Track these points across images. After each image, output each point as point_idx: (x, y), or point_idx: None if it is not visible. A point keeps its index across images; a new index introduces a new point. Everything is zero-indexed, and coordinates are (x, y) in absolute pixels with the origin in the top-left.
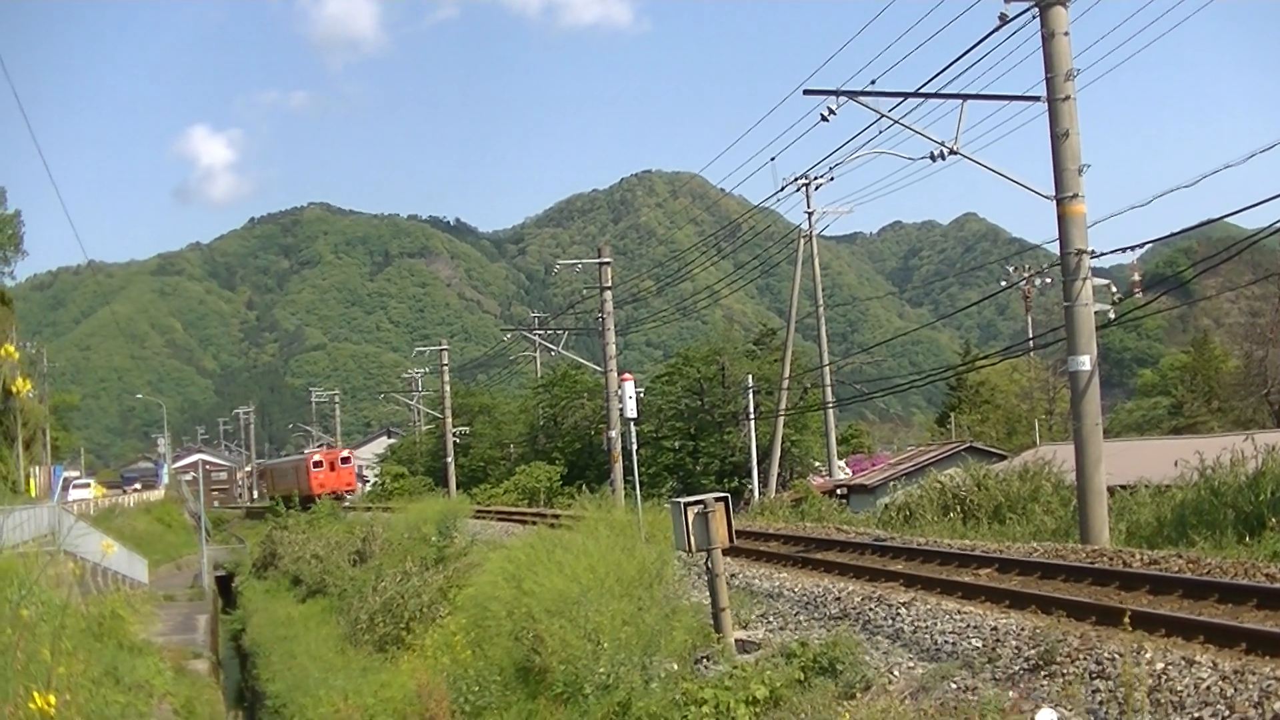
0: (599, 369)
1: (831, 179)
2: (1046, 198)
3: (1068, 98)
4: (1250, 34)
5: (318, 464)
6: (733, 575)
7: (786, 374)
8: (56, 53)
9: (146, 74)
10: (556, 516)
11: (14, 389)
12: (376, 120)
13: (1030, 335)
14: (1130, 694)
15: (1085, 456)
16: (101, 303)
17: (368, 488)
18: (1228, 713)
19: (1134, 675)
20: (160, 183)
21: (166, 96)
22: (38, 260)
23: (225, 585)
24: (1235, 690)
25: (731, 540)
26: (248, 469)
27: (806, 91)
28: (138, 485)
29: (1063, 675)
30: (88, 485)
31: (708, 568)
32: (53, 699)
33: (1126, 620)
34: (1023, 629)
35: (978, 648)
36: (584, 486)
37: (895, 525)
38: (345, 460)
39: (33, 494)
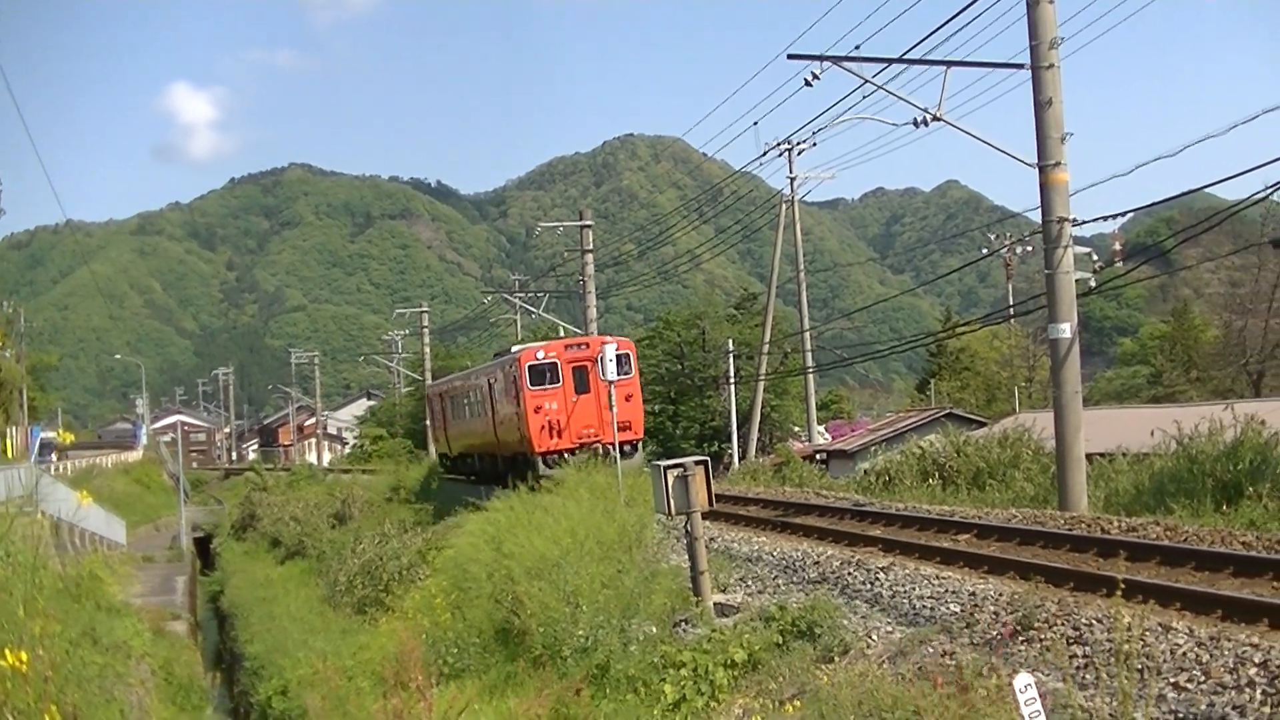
0: (580, 332)
1: (814, 144)
2: (1029, 165)
3: (1051, 65)
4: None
5: (542, 375)
6: (712, 539)
7: (767, 339)
8: (34, 6)
9: (129, 29)
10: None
11: None
12: (360, 80)
13: (1011, 303)
14: (1121, 660)
15: (1064, 424)
16: (80, 262)
17: (347, 450)
18: (1203, 678)
19: (1117, 641)
20: (141, 141)
21: (149, 53)
22: (15, 219)
23: (204, 547)
24: (1211, 656)
25: (711, 504)
26: (226, 430)
27: (790, 56)
28: (52, 456)
29: (1041, 640)
30: None
31: (687, 531)
32: (25, 655)
33: (1121, 585)
34: (1001, 594)
35: (956, 613)
36: None
37: (875, 491)
38: (620, 363)
39: (9, 455)
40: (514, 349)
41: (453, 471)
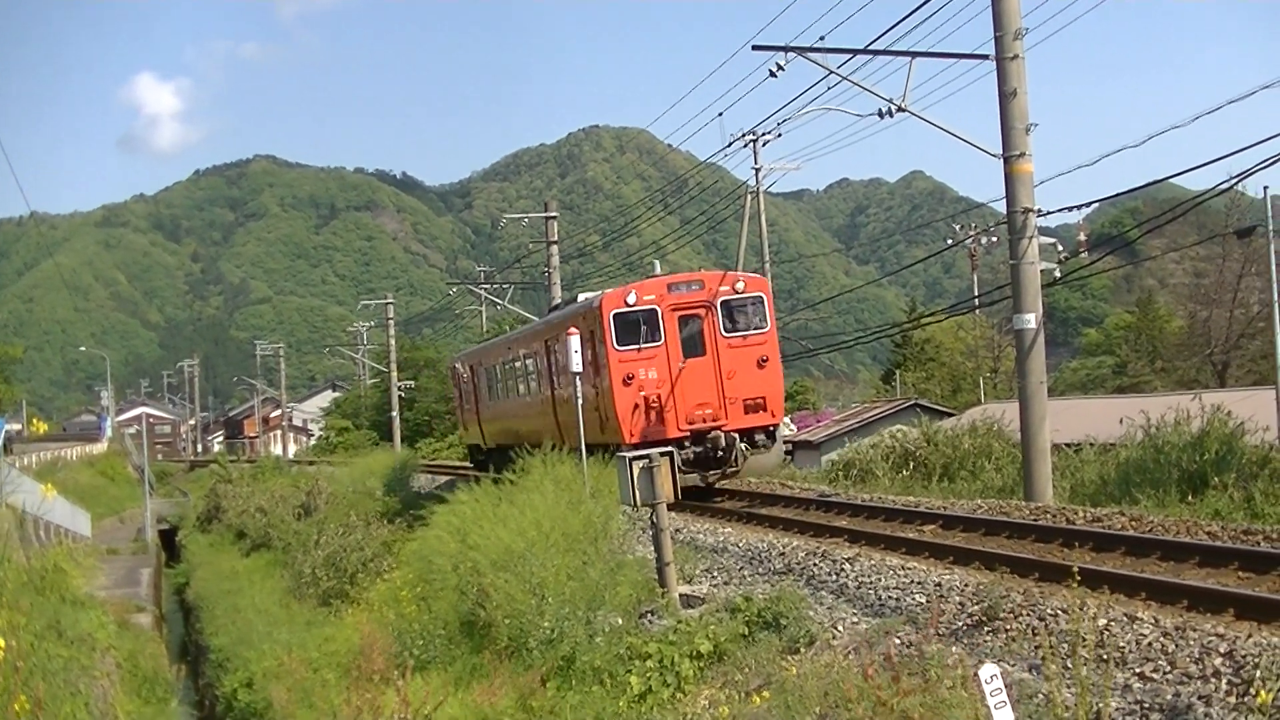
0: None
1: (779, 135)
2: (994, 156)
3: (1016, 56)
4: None
5: (634, 329)
6: (677, 530)
7: None
8: None
9: (94, 19)
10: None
11: None
12: (326, 72)
13: (976, 293)
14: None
15: (1030, 414)
16: (45, 255)
17: (312, 442)
18: (1169, 668)
19: (1071, 631)
20: (106, 132)
21: (115, 44)
22: None
23: (169, 539)
24: (1176, 646)
25: (677, 495)
26: (191, 422)
27: (755, 47)
28: None
29: (1006, 631)
30: None
31: (653, 522)
32: None
33: (1076, 575)
34: (966, 585)
35: (922, 603)
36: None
37: (842, 482)
38: (751, 312)
39: None
40: (583, 297)
41: (487, 469)
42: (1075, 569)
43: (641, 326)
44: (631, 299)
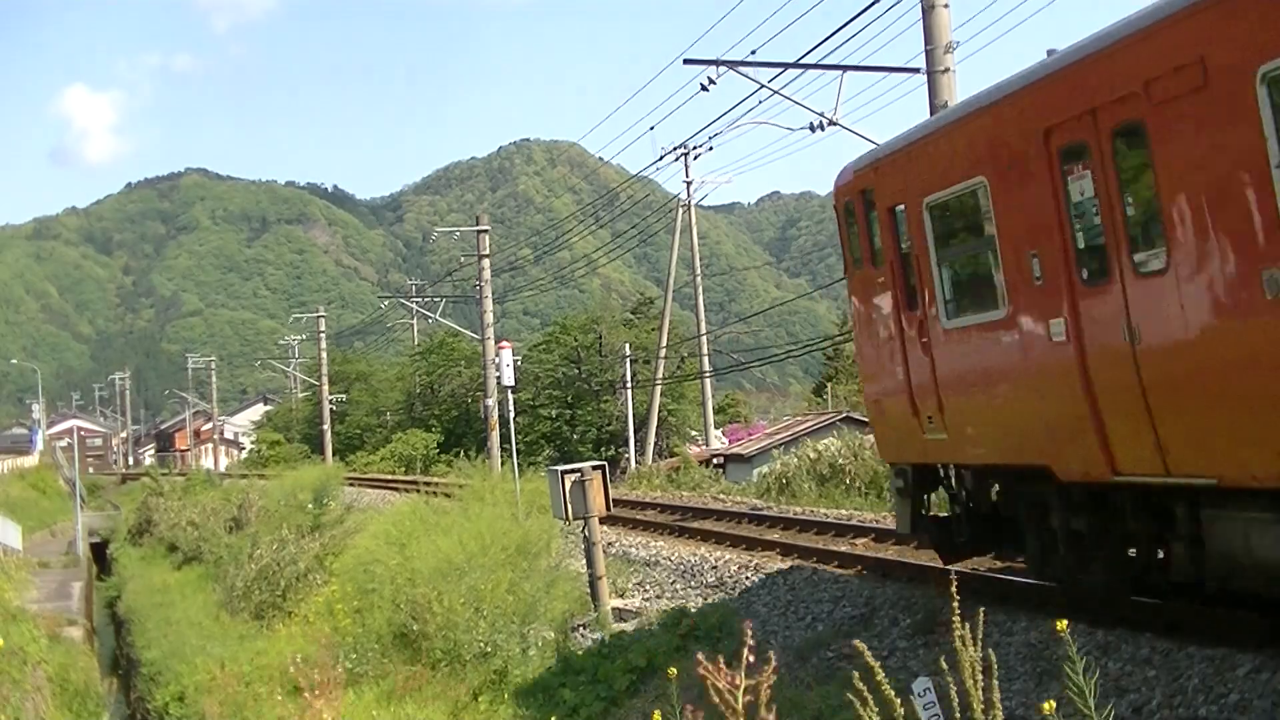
0: (476, 337)
1: (710, 149)
2: None
3: (947, 70)
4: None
5: None
6: (610, 544)
7: (664, 343)
8: None
9: (24, 31)
10: (440, 484)
11: None
12: (257, 85)
13: None
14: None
15: None
16: None
17: (244, 455)
18: (1103, 680)
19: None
20: (37, 144)
21: (46, 55)
22: None
23: (100, 552)
24: (1109, 657)
25: (609, 508)
26: (123, 435)
27: (686, 61)
28: None
29: (939, 644)
30: None
31: (584, 536)
32: None
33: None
34: (899, 598)
35: (854, 616)
36: (461, 454)
37: (772, 495)
38: None
39: None
40: None
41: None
42: (952, 578)
43: None
44: None
